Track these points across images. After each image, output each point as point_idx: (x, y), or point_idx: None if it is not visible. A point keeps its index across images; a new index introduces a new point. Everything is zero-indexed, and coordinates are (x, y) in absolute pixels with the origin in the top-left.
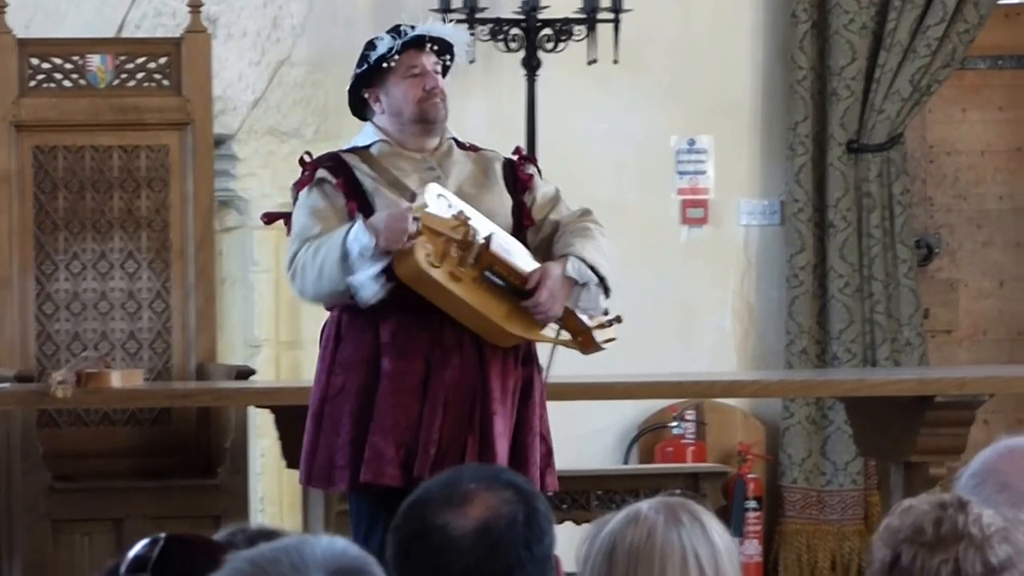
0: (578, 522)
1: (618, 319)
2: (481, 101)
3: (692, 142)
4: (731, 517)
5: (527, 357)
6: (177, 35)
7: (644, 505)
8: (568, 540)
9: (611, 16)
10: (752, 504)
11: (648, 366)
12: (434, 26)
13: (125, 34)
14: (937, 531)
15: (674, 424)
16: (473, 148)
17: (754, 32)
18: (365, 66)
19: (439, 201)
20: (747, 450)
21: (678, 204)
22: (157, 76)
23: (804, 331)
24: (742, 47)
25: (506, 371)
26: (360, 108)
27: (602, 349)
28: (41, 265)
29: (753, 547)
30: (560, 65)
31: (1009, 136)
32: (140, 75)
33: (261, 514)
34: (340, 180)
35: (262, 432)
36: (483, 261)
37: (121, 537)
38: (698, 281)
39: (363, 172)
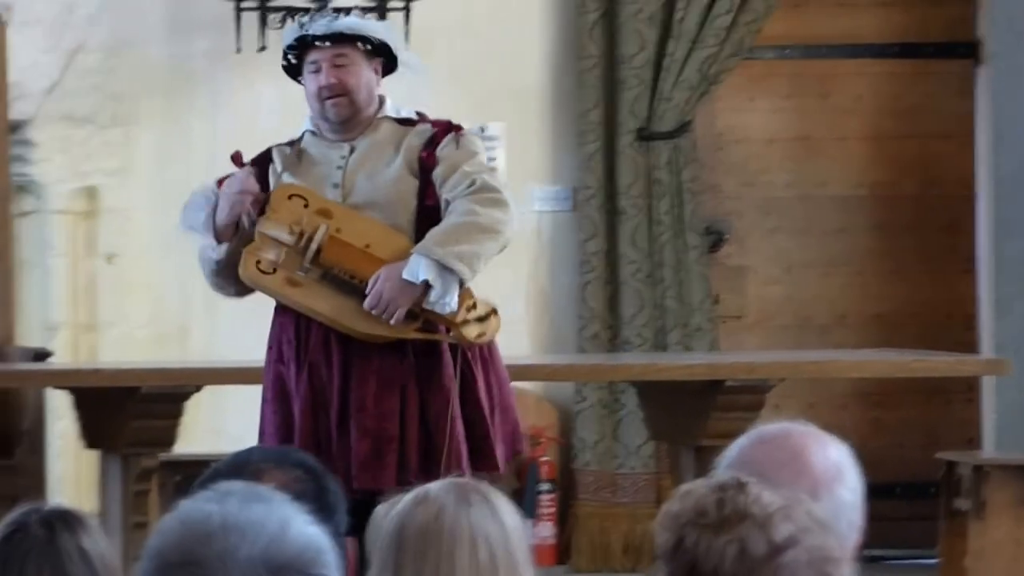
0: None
1: (494, 312)
2: (274, 88)
3: (483, 129)
4: (524, 500)
5: (426, 349)
6: None
7: (433, 486)
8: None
9: (401, 4)
10: (545, 487)
11: None
12: (320, 23)
13: None
14: (720, 512)
15: None
16: (410, 123)
17: (544, 20)
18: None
19: (292, 202)
20: (540, 433)
21: None
22: None
23: (596, 316)
24: (533, 35)
25: (387, 364)
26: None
27: (475, 344)
28: None
29: (547, 529)
30: None
31: (795, 124)
32: None
33: (59, 495)
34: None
35: (60, 414)
36: (323, 263)
37: None
38: (491, 266)
39: (277, 170)
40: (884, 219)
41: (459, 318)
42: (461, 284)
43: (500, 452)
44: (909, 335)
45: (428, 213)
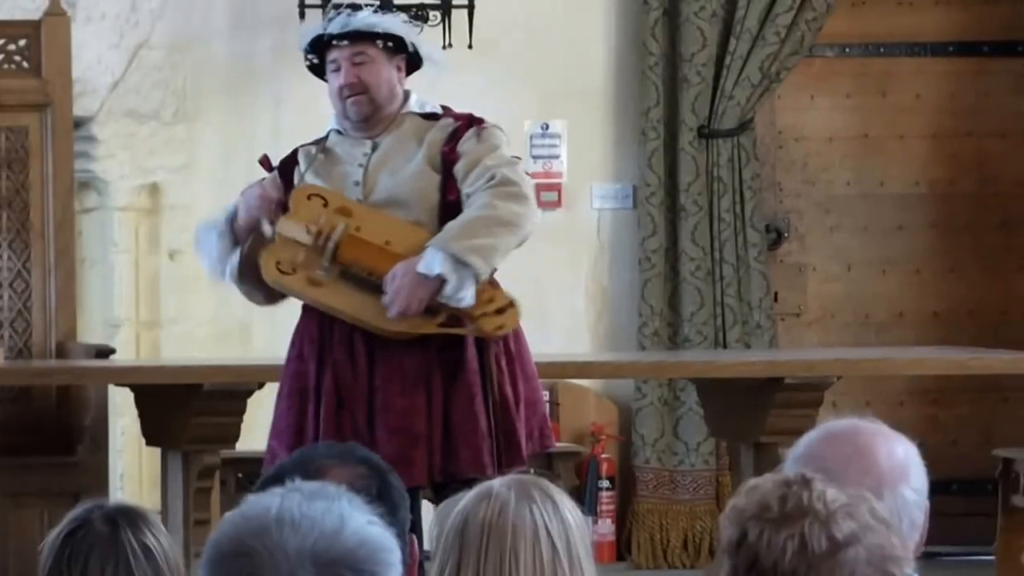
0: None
1: (512, 304)
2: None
3: (546, 127)
4: (584, 497)
5: (449, 342)
6: (36, 17)
7: (496, 483)
8: (427, 519)
9: (465, 2)
10: (605, 484)
11: None
12: (337, 22)
13: None
14: (782, 508)
15: None
16: (434, 117)
17: (607, 19)
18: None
19: (311, 202)
20: (600, 430)
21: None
22: (16, 58)
23: (656, 313)
24: (595, 33)
25: (412, 362)
26: None
27: (495, 336)
28: None
29: (606, 526)
30: None
31: (856, 122)
32: None
33: (120, 491)
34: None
35: (122, 411)
36: (342, 262)
37: None
38: (552, 264)
39: (301, 170)
40: (942, 217)
41: (477, 311)
42: (477, 278)
43: (526, 447)
44: (966, 333)
45: (450, 208)
